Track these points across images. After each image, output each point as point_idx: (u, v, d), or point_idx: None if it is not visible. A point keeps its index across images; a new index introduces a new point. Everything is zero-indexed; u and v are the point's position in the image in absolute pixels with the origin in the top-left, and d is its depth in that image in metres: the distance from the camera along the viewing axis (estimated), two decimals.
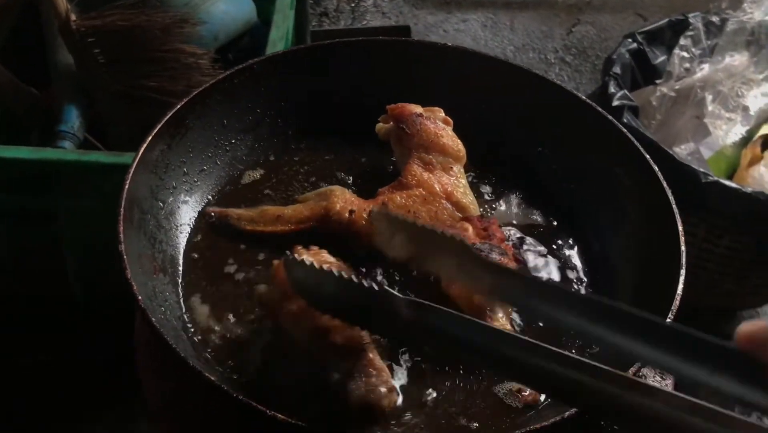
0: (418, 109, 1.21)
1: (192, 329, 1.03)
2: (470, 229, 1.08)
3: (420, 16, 3.16)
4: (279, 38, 1.97)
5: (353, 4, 3.18)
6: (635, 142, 1.14)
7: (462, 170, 1.20)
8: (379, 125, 1.24)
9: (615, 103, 2.04)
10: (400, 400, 0.96)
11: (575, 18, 3.23)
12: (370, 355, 0.94)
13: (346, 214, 1.12)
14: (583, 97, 1.20)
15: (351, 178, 1.25)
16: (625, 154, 1.15)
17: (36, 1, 2.00)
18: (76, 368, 2.02)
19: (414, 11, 3.18)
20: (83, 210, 1.78)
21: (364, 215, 1.11)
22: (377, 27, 2.99)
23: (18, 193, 1.76)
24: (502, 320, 1.02)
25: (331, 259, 1.00)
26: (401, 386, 0.99)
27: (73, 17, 1.82)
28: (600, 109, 1.17)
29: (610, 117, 1.17)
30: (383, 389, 0.93)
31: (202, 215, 1.17)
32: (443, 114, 1.23)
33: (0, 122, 1.96)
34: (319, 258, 0.98)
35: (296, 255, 0.92)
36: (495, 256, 1.00)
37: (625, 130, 1.15)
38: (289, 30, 2.06)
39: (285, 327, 0.98)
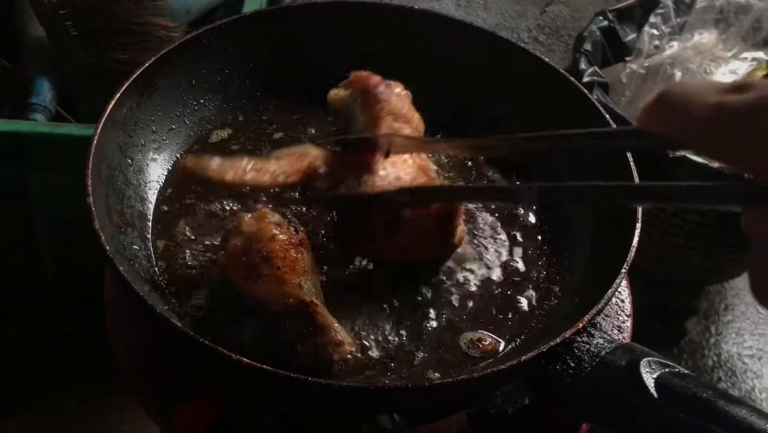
0: (381, 79, 1.22)
1: (161, 283, 1.04)
2: None
3: None
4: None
5: None
6: (601, 108, 1.16)
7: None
8: (334, 92, 1.22)
9: (585, 79, 2.06)
10: (354, 349, 0.98)
11: None
12: (314, 314, 0.96)
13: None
14: (555, 65, 1.21)
15: (318, 133, 1.26)
16: (589, 118, 1.17)
17: None
18: (47, 341, 2.03)
19: None
20: (54, 183, 1.78)
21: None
22: None
23: None
24: None
25: (276, 218, 1.01)
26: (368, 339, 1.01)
27: None
28: (572, 79, 1.19)
29: (579, 85, 1.19)
30: (330, 348, 0.95)
31: (173, 170, 1.17)
32: (402, 86, 1.23)
33: None
34: (262, 220, 1.00)
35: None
36: None
37: (593, 99, 1.17)
38: (262, 3, 2.07)
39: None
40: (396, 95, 1.20)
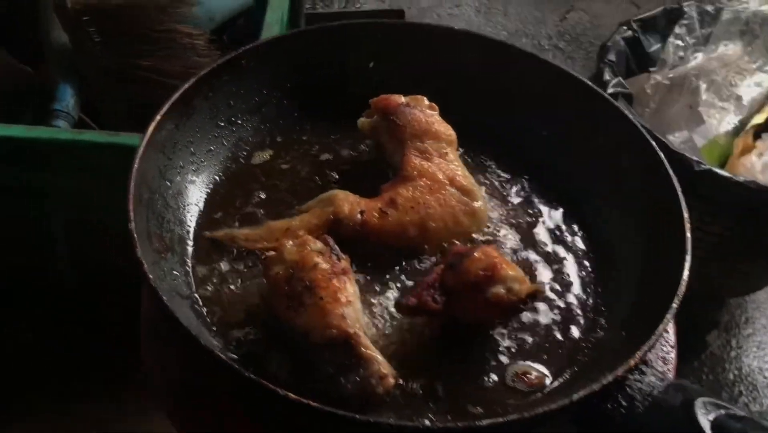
0: (402, 99, 1.21)
1: (201, 310, 1.03)
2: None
3: (414, 0, 3.16)
4: (275, 21, 1.96)
5: None
6: (641, 128, 1.15)
7: (456, 154, 1.20)
8: (362, 120, 1.23)
9: (609, 90, 2.05)
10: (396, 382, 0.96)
11: (569, 4, 3.23)
12: (357, 345, 0.94)
13: (358, 216, 1.11)
14: (590, 83, 1.20)
15: (353, 154, 1.26)
16: (631, 141, 1.16)
17: None
18: (63, 345, 2.01)
19: None
20: (76, 189, 1.78)
21: (375, 214, 1.11)
22: (371, 10, 2.98)
23: (11, 171, 1.75)
24: None
25: (318, 246, 1.00)
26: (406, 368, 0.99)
27: None
28: (607, 96, 1.18)
29: (616, 103, 1.18)
30: (373, 381, 0.94)
31: (212, 192, 1.16)
32: (427, 100, 1.22)
33: None
34: (304, 247, 0.99)
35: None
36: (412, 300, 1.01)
37: (631, 117, 1.16)
38: (284, 12, 2.05)
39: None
40: (420, 112, 1.19)
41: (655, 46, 2.25)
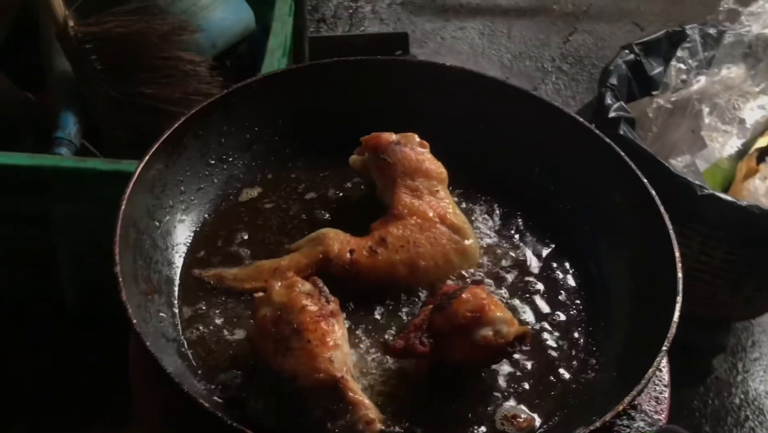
0: (393, 136, 1.21)
1: (186, 353, 1.02)
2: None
3: (418, 23, 3.16)
4: (277, 46, 1.97)
5: (351, 11, 3.17)
6: (632, 165, 1.14)
7: (447, 191, 1.20)
8: (354, 157, 1.24)
9: (611, 114, 2.04)
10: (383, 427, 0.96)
11: (572, 26, 3.23)
12: (344, 390, 0.94)
13: (347, 255, 1.11)
14: (581, 119, 1.20)
15: (341, 193, 1.25)
16: (623, 177, 1.16)
17: (33, 7, 1.99)
18: (67, 372, 2.02)
19: (412, 18, 3.18)
20: (79, 216, 1.78)
21: (365, 252, 1.11)
22: (375, 34, 2.98)
23: (14, 198, 1.77)
24: None
25: (307, 287, 1.00)
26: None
27: (70, 23, 1.82)
28: (598, 132, 1.17)
29: (608, 140, 1.17)
30: (360, 426, 0.93)
31: (200, 232, 1.15)
32: (418, 138, 1.22)
33: None
34: (292, 289, 0.99)
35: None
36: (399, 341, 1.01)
37: (622, 153, 1.15)
38: (287, 37, 2.06)
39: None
40: (410, 150, 1.19)
41: (658, 70, 2.23)
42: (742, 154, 2.16)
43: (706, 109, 2.17)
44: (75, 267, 1.93)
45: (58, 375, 2.01)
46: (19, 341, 2.03)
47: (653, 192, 1.11)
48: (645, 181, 1.12)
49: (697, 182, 1.90)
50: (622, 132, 1.97)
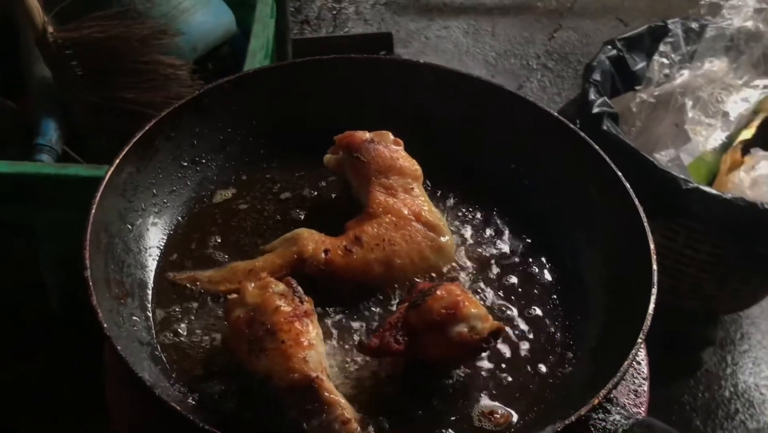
0: (366, 135, 1.21)
1: (160, 356, 1.02)
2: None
3: (402, 23, 3.17)
4: (259, 48, 1.96)
5: (335, 12, 3.17)
6: (607, 159, 1.14)
7: (422, 189, 1.20)
8: (328, 156, 1.23)
9: (595, 110, 2.04)
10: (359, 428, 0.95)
11: (557, 23, 3.24)
12: (320, 389, 0.93)
13: (322, 255, 1.10)
14: (555, 114, 1.19)
15: (316, 193, 1.25)
16: (598, 171, 1.15)
17: (12, 13, 1.98)
18: (53, 379, 2.01)
19: (396, 18, 3.18)
20: (61, 222, 1.75)
21: (340, 252, 1.10)
22: (359, 35, 2.98)
23: None
24: None
25: (281, 288, 0.99)
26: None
27: (50, 29, 1.81)
28: (572, 126, 1.17)
29: (582, 134, 1.17)
30: (336, 426, 0.92)
31: (173, 234, 1.15)
32: (392, 136, 1.22)
33: None
34: (265, 290, 0.99)
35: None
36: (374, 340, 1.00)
37: (597, 147, 1.15)
38: (269, 39, 2.05)
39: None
40: (384, 148, 1.19)
41: (641, 65, 2.24)
42: (726, 147, 2.16)
43: (689, 103, 2.17)
44: (59, 273, 1.92)
45: (46, 382, 2.01)
46: (7, 348, 2.02)
47: (627, 185, 1.11)
48: (619, 174, 1.12)
49: (681, 176, 1.90)
50: (605, 127, 1.97)
